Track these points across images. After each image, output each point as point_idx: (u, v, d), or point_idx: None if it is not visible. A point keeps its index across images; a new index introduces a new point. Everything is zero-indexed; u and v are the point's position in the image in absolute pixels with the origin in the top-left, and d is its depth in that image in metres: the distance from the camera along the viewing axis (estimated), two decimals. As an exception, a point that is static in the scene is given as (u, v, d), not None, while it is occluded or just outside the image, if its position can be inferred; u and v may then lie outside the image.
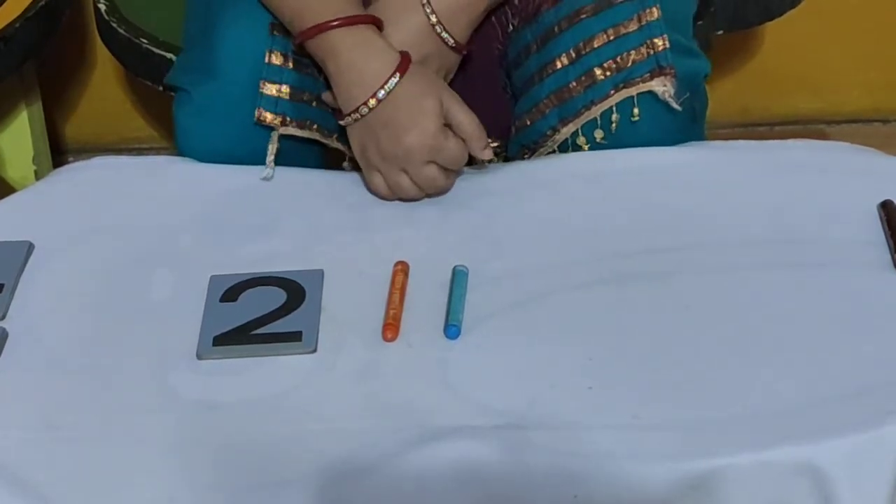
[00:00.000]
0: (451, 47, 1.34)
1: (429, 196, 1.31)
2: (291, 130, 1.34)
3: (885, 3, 2.29)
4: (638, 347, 1.12)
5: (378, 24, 1.30)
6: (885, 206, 1.25)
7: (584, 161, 1.34)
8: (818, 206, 1.27)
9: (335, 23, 1.28)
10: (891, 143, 2.07)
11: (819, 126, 2.38)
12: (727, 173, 1.32)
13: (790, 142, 1.38)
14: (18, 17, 1.84)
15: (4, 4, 1.86)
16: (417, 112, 1.26)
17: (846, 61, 2.33)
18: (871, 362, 1.10)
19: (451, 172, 1.30)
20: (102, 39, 1.95)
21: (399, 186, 1.29)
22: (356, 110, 1.28)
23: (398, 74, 1.27)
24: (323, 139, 1.37)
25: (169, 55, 1.79)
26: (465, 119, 1.28)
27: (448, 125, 1.29)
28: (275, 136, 1.34)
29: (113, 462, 1.04)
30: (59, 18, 1.93)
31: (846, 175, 1.31)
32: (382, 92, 1.27)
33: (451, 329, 1.14)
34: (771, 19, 2.03)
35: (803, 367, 1.10)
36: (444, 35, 1.33)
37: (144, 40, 1.82)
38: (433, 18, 1.32)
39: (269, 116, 1.33)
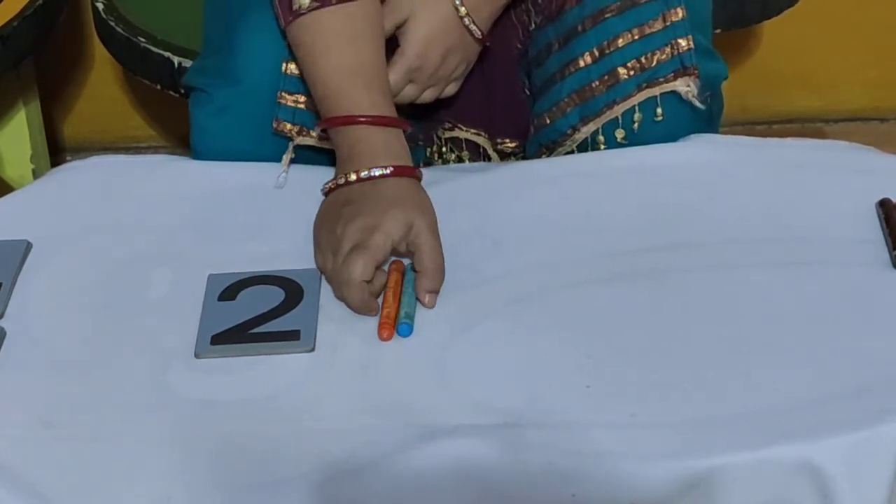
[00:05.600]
0: (477, 39, 1.33)
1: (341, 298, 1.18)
2: (309, 141, 1.33)
3: (883, 3, 2.29)
4: (636, 346, 1.12)
5: (404, 128, 1.27)
6: (883, 204, 1.25)
7: (583, 159, 1.35)
8: (816, 204, 1.27)
9: (363, 119, 1.24)
10: (889, 141, 2.08)
11: (817, 124, 2.38)
12: (725, 171, 1.32)
13: (788, 140, 1.38)
14: (16, 15, 1.84)
15: (3, 3, 1.86)
16: (380, 210, 1.18)
17: (845, 60, 2.34)
18: (869, 360, 1.10)
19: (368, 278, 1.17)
20: (100, 38, 1.95)
21: (325, 269, 1.20)
22: (335, 178, 1.23)
23: (391, 169, 1.21)
24: None
25: (167, 54, 1.79)
26: (430, 254, 1.18)
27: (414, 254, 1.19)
28: (291, 145, 1.33)
29: (111, 460, 1.04)
30: (56, 17, 1.93)
31: (844, 173, 1.31)
32: (366, 173, 1.21)
33: (403, 327, 1.14)
34: (769, 17, 2.03)
35: (802, 366, 1.10)
36: (472, 27, 1.32)
37: (142, 39, 1.82)
38: (462, 10, 1.32)
39: (287, 126, 1.33)
